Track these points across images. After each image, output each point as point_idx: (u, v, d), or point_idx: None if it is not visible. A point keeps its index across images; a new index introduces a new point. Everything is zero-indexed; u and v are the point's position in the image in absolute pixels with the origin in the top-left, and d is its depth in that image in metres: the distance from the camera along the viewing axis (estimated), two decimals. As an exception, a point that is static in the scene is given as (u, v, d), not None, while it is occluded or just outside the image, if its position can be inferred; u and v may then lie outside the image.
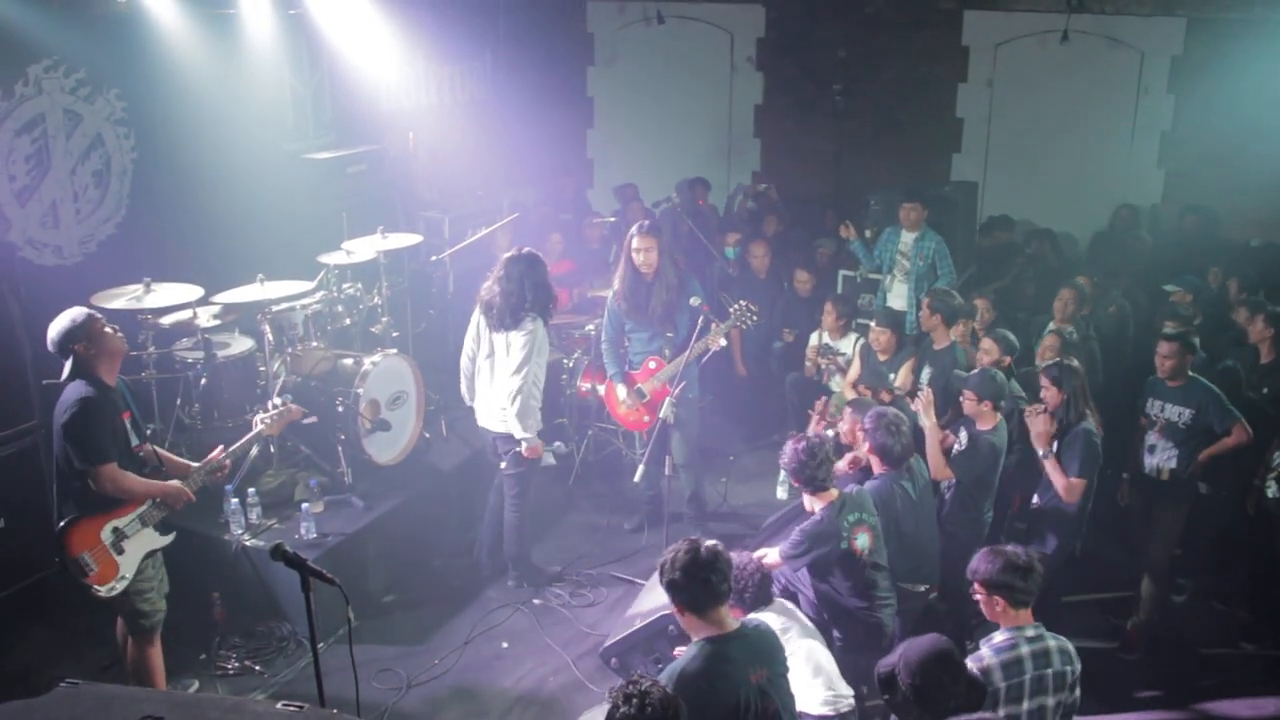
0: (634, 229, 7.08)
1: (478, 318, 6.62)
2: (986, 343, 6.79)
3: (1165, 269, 8.86)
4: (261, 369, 6.91)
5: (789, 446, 5.31)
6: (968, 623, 5.92)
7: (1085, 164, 10.62)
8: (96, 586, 5.07)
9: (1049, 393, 6.03)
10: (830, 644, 5.20)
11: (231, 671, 6.04)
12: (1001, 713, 4.11)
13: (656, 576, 4.32)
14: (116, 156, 7.41)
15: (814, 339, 8.60)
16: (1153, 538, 6.44)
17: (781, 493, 7.85)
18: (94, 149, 7.26)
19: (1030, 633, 4.24)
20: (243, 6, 8.09)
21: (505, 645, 6.44)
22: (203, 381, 6.76)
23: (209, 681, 5.96)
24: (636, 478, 6.72)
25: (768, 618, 4.77)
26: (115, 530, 5.09)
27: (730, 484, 8.31)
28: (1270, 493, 6.34)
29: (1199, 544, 6.77)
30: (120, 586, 5.13)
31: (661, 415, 6.65)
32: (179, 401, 6.75)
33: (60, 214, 7.06)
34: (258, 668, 6.09)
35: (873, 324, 7.72)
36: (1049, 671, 4.19)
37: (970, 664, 4.17)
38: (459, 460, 7.72)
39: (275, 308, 6.92)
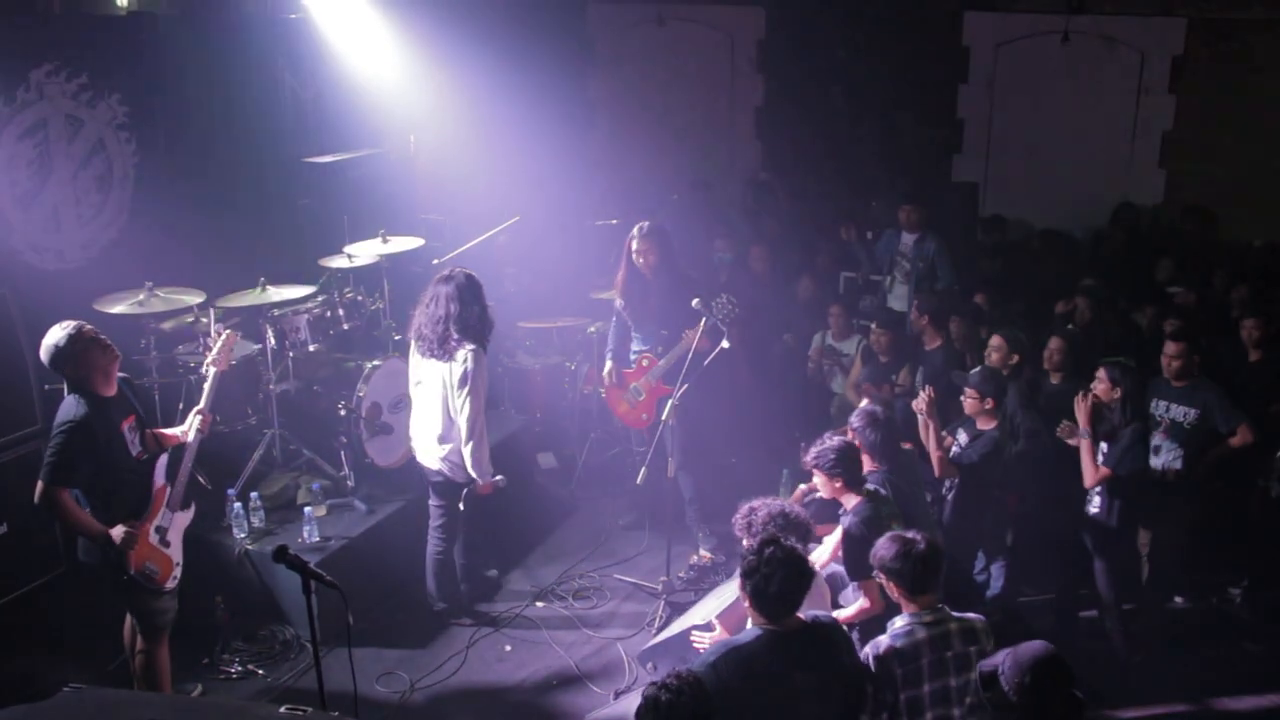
0: (635, 229, 7.08)
1: (412, 347, 6.30)
2: (996, 340, 6.75)
3: (1166, 270, 8.86)
4: (264, 373, 6.91)
5: (823, 444, 5.24)
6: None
7: (1086, 164, 10.61)
8: (166, 587, 5.22)
9: (1102, 385, 6.02)
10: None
11: (234, 675, 6.05)
12: (902, 696, 4.16)
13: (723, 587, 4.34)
14: (118, 161, 7.41)
15: (817, 339, 8.61)
16: (1157, 538, 6.44)
17: (783, 494, 7.84)
18: (96, 154, 7.26)
19: (928, 617, 4.27)
20: (244, 11, 8.10)
21: (509, 648, 6.44)
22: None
23: (212, 685, 5.97)
24: (639, 480, 6.72)
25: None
26: (158, 530, 5.20)
27: (733, 485, 8.31)
28: (1274, 492, 6.34)
29: (1201, 544, 6.77)
30: (179, 572, 5.31)
31: (663, 417, 6.65)
32: (181, 405, 6.74)
33: (62, 219, 7.07)
34: (261, 671, 6.10)
35: (873, 326, 7.73)
36: (948, 654, 4.22)
37: (868, 650, 4.21)
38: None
39: (277, 311, 6.93)
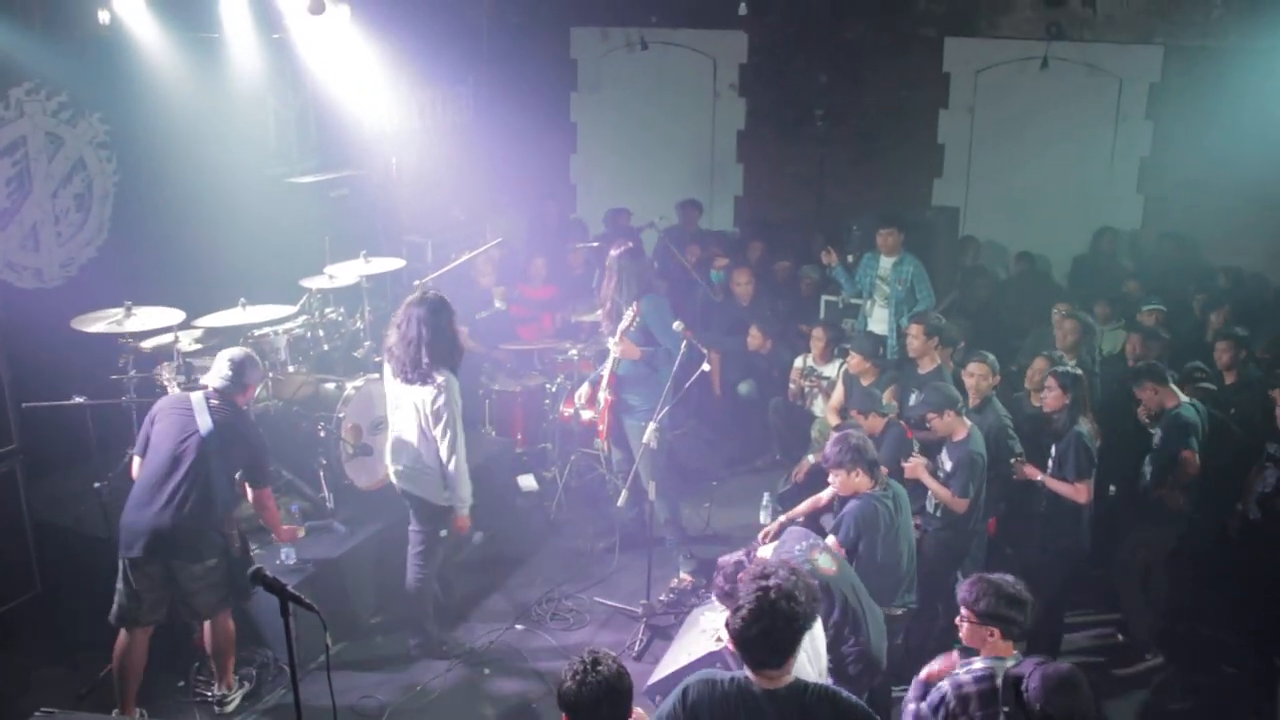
0: (611, 251, 7.21)
1: (386, 368, 6.18)
2: (977, 367, 6.74)
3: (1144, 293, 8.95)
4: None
5: (839, 439, 5.53)
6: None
7: (1065, 189, 10.70)
8: None
9: (1053, 394, 6.22)
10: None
11: (210, 698, 5.98)
12: None
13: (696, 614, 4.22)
14: (98, 180, 7.39)
15: (799, 362, 8.62)
16: (1145, 559, 6.56)
17: (764, 517, 7.82)
18: (76, 172, 7.24)
19: (1010, 663, 4.20)
20: (226, 30, 8.10)
21: (487, 671, 6.40)
22: (184, 406, 6.72)
23: (188, 708, 5.90)
24: (620, 502, 6.71)
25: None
26: None
27: (714, 508, 8.30)
28: (1252, 515, 6.39)
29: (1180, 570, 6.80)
30: None
31: (645, 440, 6.65)
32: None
33: (41, 237, 7.04)
34: (238, 694, 6.02)
35: (850, 350, 7.76)
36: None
37: (948, 688, 4.14)
38: (441, 485, 7.66)
39: (257, 332, 6.90)
